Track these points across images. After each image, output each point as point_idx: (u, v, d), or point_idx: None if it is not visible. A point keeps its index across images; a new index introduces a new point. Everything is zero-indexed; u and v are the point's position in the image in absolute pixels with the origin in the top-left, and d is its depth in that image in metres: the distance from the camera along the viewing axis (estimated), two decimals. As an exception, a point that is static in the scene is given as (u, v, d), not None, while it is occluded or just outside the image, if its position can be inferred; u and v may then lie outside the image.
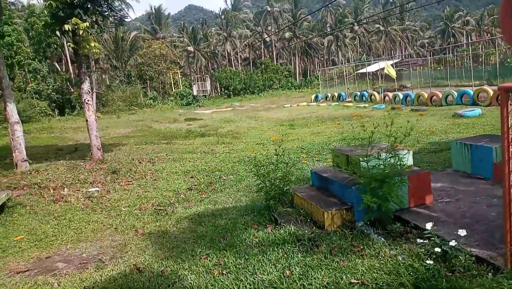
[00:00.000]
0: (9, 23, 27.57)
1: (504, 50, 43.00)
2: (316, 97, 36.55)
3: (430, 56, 44.89)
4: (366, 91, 30.90)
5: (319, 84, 62.29)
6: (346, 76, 35.93)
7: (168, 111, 41.47)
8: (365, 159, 4.28)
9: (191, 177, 8.49)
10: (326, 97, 35.29)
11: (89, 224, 5.98)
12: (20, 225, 6.18)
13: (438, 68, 48.39)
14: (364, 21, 69.14)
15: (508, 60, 41.39)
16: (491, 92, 19.45)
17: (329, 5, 70.78)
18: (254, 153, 11.10)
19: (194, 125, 23.73)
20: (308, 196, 4.73)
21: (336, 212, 4.21)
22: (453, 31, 71.32)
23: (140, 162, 10.57)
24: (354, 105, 27.08)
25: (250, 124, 22.48)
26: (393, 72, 27.03)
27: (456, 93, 21.43)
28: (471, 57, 36.26)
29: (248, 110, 35.53)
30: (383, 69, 29.38)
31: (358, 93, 30.94)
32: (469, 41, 63.57)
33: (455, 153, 6.05)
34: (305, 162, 9.03)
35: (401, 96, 25.47)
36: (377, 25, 68.65)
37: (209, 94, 61.43)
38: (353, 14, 70.06)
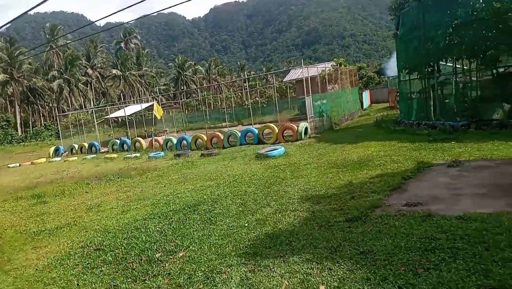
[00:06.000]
0: None
1: (239, 94, 47.38)
2: (57, 150, 27.79)
3: (180, 99, 43.99)
4: (127, 138, 25.38)
5: (51, 135, 51.21)
6: (95, 122, 29.05)
7: None
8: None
9: None
10: (72, 150, 27.25)
11: None
12: None
13: (180, 112, 48.47)
14: (99, 65, 63.13)
15: (246, 103, 45.97)
16: (276, 130, 18.28)
17: (55, 46, 60.69)
18: None
19: None
20: None
21: None
22: (186, 78, 75.10)
23: None
24: (120, 156, 21.01)
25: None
26: (160, 113, 22.92)
27: (239, 133, 19.31)
28: (224, 100, 37.15)
29: None
30: (142, 111, 24.86)
31: (118, 141, 24.95)
32: (200, 87, 68.10)
33: None
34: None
35: (175, 141, 21.56)
36: (114, 70, 63.73)
37: None
38: (85, 57, 62.50)
